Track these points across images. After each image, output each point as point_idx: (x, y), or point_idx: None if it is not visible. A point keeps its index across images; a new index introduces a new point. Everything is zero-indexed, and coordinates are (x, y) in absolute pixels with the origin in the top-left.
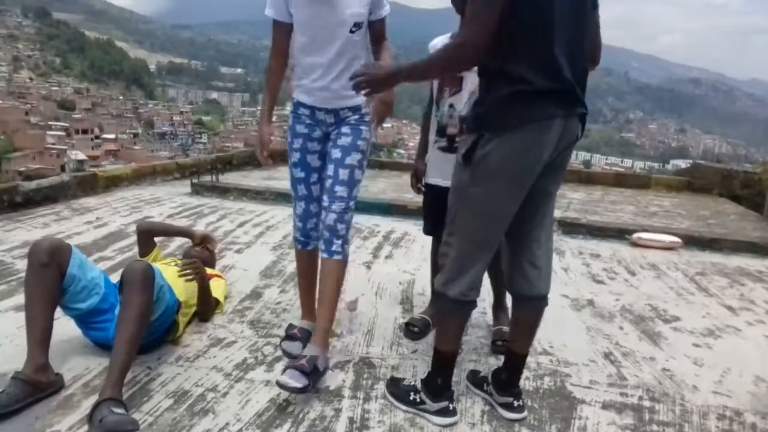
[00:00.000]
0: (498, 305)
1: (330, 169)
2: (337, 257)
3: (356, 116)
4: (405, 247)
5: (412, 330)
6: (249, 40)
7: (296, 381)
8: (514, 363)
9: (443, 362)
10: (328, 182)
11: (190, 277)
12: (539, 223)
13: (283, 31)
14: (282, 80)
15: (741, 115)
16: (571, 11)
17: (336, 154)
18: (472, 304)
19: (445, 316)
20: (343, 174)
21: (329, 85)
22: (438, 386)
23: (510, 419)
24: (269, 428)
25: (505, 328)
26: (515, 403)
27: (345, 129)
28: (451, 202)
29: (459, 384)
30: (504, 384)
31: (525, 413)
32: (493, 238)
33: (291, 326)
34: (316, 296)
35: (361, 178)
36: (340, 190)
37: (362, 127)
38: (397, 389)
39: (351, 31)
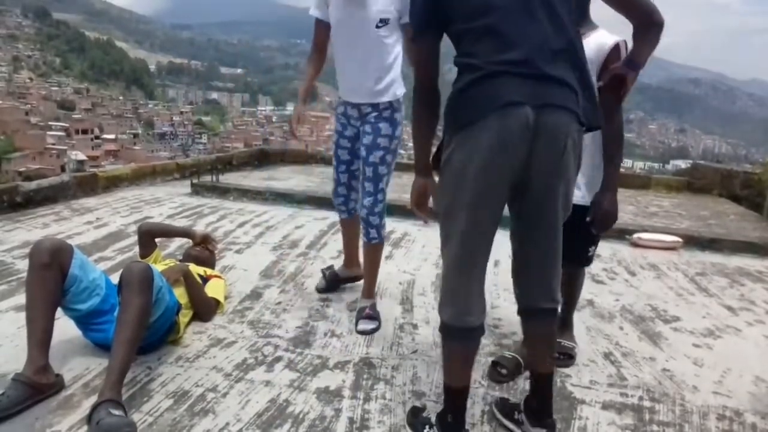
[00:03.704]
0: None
1: (360, 166)
2: (374, 242)
3: (375, 113)
4: (405, 248)
5: (500, 371)
6: (249, 40)
7: (371, 324)
8: (539, 385)
9: (452, 398)
10: (361, 178)
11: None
12: (533, 239)
13: (322, 28)
14: (318, 71)
15: (741, 115)
16: None
17: (362, 152)
18: (472, 331)
19: (444, 343)
20: (369, 171)
21: (356, 79)
22: (449, 425)
23: None
24: (269, 428)
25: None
26: None
27: (367, 128)
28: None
29: None
30: (536, 412)
31: None
32: (472, 254)
33: (330, 267)
34: (355, 250)
35: (386, 171)
36: (368, 186)
37: (381, 125)
38: (415, 420)
39: (377, 27)
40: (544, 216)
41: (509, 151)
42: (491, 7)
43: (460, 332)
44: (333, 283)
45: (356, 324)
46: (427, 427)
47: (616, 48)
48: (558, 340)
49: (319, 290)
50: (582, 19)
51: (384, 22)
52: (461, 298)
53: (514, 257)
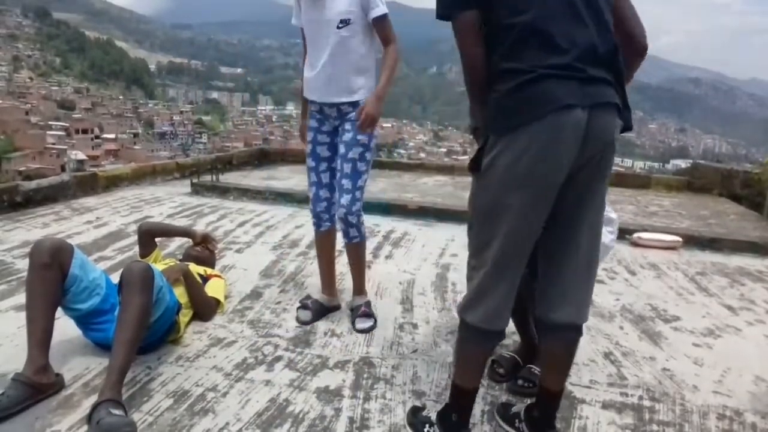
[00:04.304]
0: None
1: (338, 164)
2: (355, 241)
3: (356, 112)
4: (405, 247)
5: (497, 371)
6: (249, 40)
7: (368, 321)
8: (547, 400)
9: (460, 398)
10: (337, 175)
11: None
12: (571, 240)
13: (304, 35)
14: None
15: (741, 115)
16: None
17: (341, 149)
18: (496, 335)
19: (463, 344)
20: (347, 167)
21: (326, 80)
22: (453, 424)
23: None
24: (269, 428)
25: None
26: None
27: (347, 125)
28: (470, 218)
29: None
30: (537, 423)
31: None
32: (513, 257)
33: (308, 297)
34: (335, 273)
35: (364, 168)
36: (346, 183)
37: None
38: (415, 419)
39: (338, 27)
40: (585, 216)
41: (562, 154)
42: (537, 4)
43: (486, 335)
44: (319, 314)
45: (353, 323)
46: (427, 425)
47: None
48: (530, 366)
49: (305, 323)
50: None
51: (345, 22)
52: (494, 301)
53: (545, 265)
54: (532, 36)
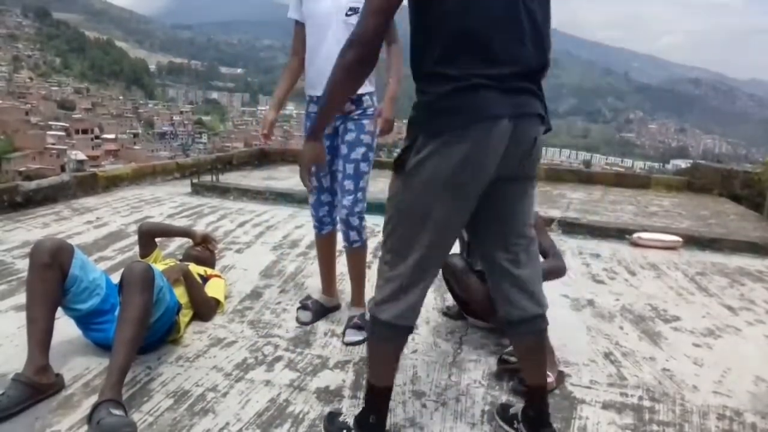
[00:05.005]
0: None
1: (339, 165)
2: (356, 245)
3: (359, 111)
4: None
5: (508, 360)
6: (249, 40)
7: (358, 335)
8: (534, 397)
9: (376, 398)
10: (339, 177)
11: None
12: (510, 240)
13: (299, 30)
14: (295, 80)
15: (741, 115)
16: None
17: (343, 150)
18: (409, 330)
19: (378, 342)
20: (350, 168)
21: (328, 71)
22: (371, 425)
23: None
24: (269, 428)
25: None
26: None
27: (350, 125)
28: (386, 215)
29: (459, 384)
30: (534, 422)
31: None
32: (435, 257)
33: (308, 297)
34: (335, 274)
35: (367, 169)
36: (348, 184)
37: (364, 121)
38: (332, 426)
39: (347, 14)
40: (517, 214)
41: (488, 161)
42: (478, 12)
43: (399, 331)
44: (319, 313)
45: (343, 334)
46: (344, 431)
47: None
48: None
49: (305, 323)
50: None
51: (354, 10)
52: (413, 298)
53: (488, 268)
54: (470, 43)
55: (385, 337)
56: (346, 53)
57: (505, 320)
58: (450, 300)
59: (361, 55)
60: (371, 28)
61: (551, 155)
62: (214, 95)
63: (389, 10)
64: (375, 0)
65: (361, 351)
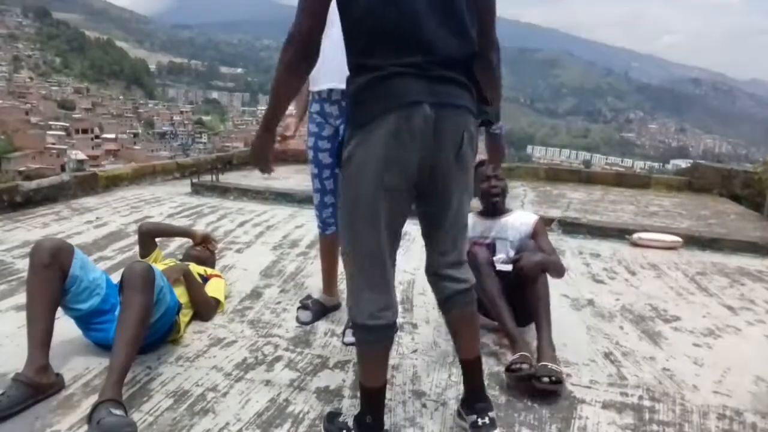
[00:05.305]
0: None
1: None
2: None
3: None
4: (404, 247)
5: (520, 367)
6: (249, 40)
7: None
8: (466, 371)
9: (369, 399)
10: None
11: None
12: (440, 227)
13: None
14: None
15: (741, 115)
16: None
17: None
18: (385, 328)
19: (360, 345)
20: None
21: (333, 60)
22: (368, 425)
23: None
24: (269, 428)
25: (551, 365)
26: (480, 421)
27: None
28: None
29: (459, 384)
30: (466, 400)
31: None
32: (379, 247)
33: (308, 297)
34: (336, 274)
35: None
36: None
37: None
38: (331, 426)
39: None
40: (447, 206)
41: (409, 148)
42: (395, 5)
43: (376, 331)
44: (320, 313)
45: (343, 334)
46: (344, 431)
47: (538, 221)
48: (544, 363)
49: (305, 323)
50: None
51: None
52: (378, 295)
53: (428, 255)
54: (388, 35)
55: (366, 339)
56: (284, 52)
57: (437, 300)
58: None
59: (297, 53)
60: (305, 28)
61: (551, 155)
62: (214, 95)
63: (320, 9)
64: (304, 1)
65: None
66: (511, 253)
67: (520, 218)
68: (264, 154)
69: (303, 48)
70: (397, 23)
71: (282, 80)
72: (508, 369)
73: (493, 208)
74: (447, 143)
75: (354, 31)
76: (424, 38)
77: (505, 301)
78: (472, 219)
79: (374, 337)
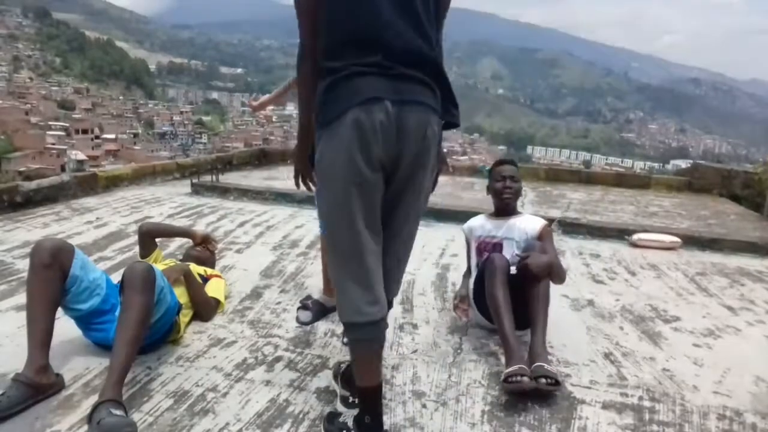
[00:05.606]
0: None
1: None
2: None
3: None
4: None
5: (519, 380)
6: (249, 40)
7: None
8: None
9: (366, 399)
10: None
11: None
12: (395, 219)
13: None
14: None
15: (741, 115)
16: None
17: None
18: (374, 325)
19: (351, 344)
20: None
21: None
22: (367, 425)
23: None
24: (269, 428)
25: (547, 366)
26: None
27: None
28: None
29: (459, 384)
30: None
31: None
32: (359, 242)
33: (308, 297)
34: None
35: None
36: None
37: None
38: (332, 426)
39: None
40: (402, 203)
41: (371, 143)
42: (357, 10)
43: (367, 327)
44: (320, 313)
45: (343, 333)
46: (344, 431)
47: (546, 226)
48: (540, 364)
49: (305, 323)
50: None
51: None
52: (362, 290)
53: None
54: (349, 37)
55: (355, 338)
56: (302, 64)
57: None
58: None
59: (314, 69)
60: (307, 31)
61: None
62: (214, 95)
63: (311, 8)
64: (298, 3)
65: None
66: (517, 252)
67: (528, 221)
68: (300, 167)
69: (315, 62)
70: (358, 25)
71: (306, 99)
72: (505, 380)
73: (505, 208)
74: (410, 139)
75: (320, 35)
76: (384, 38)
77: (510, 311)
78: (481, 219)
79: (361, 334)
